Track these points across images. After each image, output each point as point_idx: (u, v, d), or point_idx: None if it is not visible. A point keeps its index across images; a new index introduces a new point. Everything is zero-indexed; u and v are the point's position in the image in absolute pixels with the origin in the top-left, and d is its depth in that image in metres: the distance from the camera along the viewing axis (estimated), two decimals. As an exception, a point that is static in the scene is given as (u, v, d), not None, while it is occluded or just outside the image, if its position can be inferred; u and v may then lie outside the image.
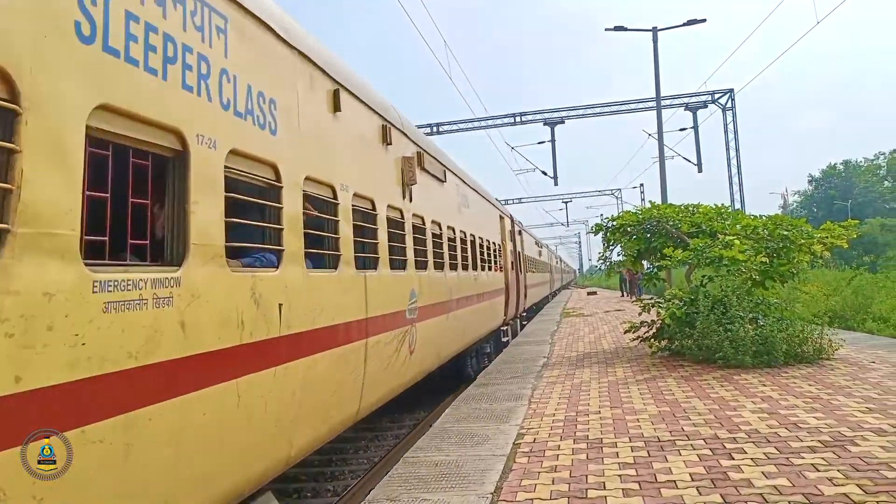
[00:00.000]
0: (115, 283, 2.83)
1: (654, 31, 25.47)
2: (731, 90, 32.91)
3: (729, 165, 33.16)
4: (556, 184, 37.30)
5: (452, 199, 11.31)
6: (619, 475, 4.89)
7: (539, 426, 6.70)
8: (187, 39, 3.51)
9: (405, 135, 8.21)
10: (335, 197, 5.64)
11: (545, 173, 37.33)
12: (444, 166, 10.54)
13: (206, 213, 3.57)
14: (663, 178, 25.95)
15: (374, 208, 6.67)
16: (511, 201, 62.89)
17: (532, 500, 4.52)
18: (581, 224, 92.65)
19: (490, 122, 35.29)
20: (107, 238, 2.95)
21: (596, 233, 14.32)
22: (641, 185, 60.34)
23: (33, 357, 2.41)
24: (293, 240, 4.71)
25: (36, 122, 2.49)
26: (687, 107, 33.42)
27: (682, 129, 35.15)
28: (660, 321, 11.25)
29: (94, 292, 2.71)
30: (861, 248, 48.17)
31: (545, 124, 34.78)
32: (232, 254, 3.94)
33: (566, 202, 73.54)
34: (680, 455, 5.28)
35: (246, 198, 4.20)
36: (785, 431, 5.77)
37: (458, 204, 11.72)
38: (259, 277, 4.17)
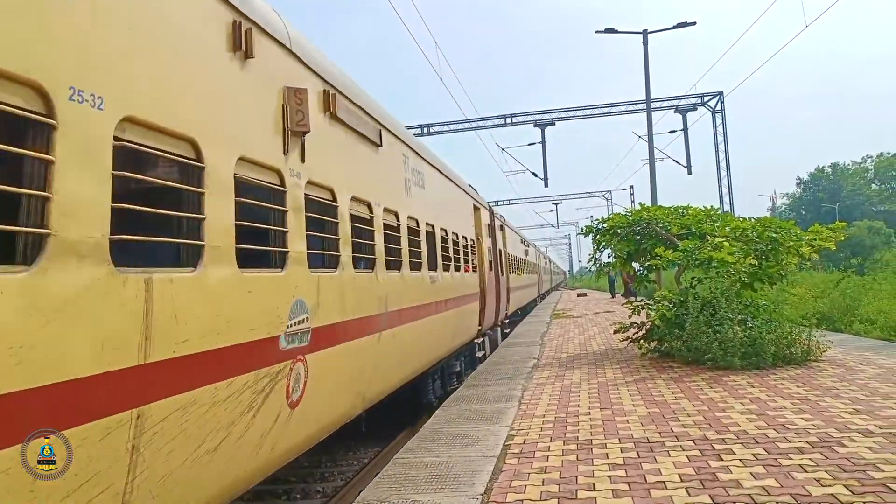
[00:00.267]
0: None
1: (645, 33, 25.57)
2: (721, 93, 33.10)
3: (718, 168, 33.34)
4: (546, 185, 37.39)
5: (395, 172, 8.23)
6: (609, 476, 4.91)
7: (529, 427, 6.71)
8: None
9: (292, 54, 5.20)
10: (50, 114, 2.76)
11: (535, 175, 37.42)
12: (381, 125, 7.47)
13: None
14: (653, 180, 26.05)
15: (197, 158, 3.78)
16: (502, 202, 63.01)
17: (522, 501, 4.53)
18: (571, 226, 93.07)
19: (481, 124, 35.32)
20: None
21: (586, 234, 14.36)
22: (631, 186, 60.65)
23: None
24: None
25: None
26: (676, 109, 33.57)
27: (671, 132, 35.36)
28: (649, 322, 11.30)
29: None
30: (849, 251, 48.53)
31: (535, 126, 34.84)
32: None
33: (556, 204, 73.76)
34: (669, 456, 5.30)
35: None
36: (773, 432, 5.80)
37: (404, 181, 8.66)
38: None
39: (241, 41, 4.30)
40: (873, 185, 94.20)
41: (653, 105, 27.79)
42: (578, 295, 47.27)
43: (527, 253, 32.27)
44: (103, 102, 3.00)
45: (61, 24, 2.85)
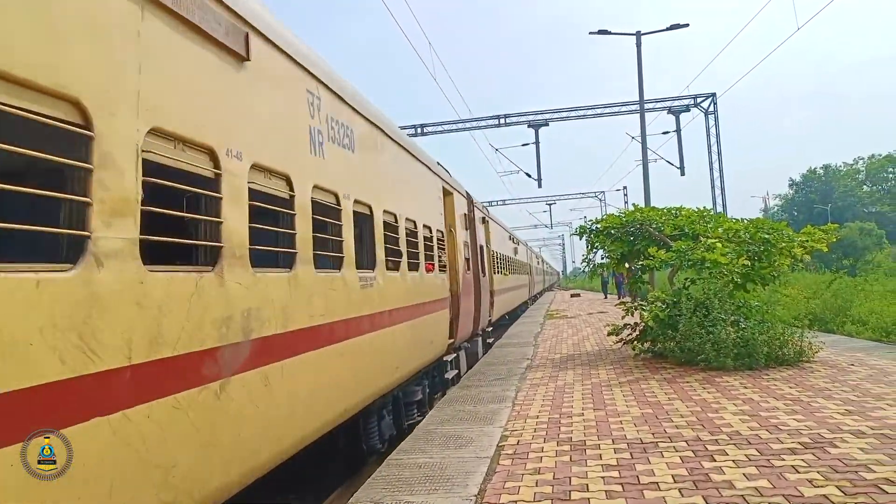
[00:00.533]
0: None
1: (638, 35, 25.64)
2: (714, 94, 33.20)
3: (711, 169, 33.45)
4: (539, 186, 37.42)
5: (285, 112, 5.30)
6: (603, 477, 4.91)
7: (523, 428, 6.71)
8: None
9: None
10: None
11: (529, 175, 37.46)
12: (248, 25, 4.58)
13: None
14: (646, 180, 26.12)
15: None
16: (496, 203, 63.04)
17: (516, 502, 4.53)
18: (565, 226, 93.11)
19: (474, 124, 35.33)
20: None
21: (580, 235, 14.38)
22: (625, 187, 60.96)
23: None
24: None
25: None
26: (670, 110, 33.67)
27: (665, 133, 35.47)
28: (643, 323, 11.32)
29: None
30: (840, 252, 48.76)
31: (529, 126, 34.89)
32: None
33: (550, 204, 73.91)
34: (662, 457, 5.31)
35: None
36: (766, 433, 5.82)
37: (310, 132, 5.67)
38: None
39: None
40: (865, 186, 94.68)
41: (646, 106, 27.86)
42: (572, 296, 47.33)
43: (516, 251, 29.19)
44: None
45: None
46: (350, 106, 6.77)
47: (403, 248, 8.22)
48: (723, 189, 33.12)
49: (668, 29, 25.56)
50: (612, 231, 13.46)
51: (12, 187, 2.54)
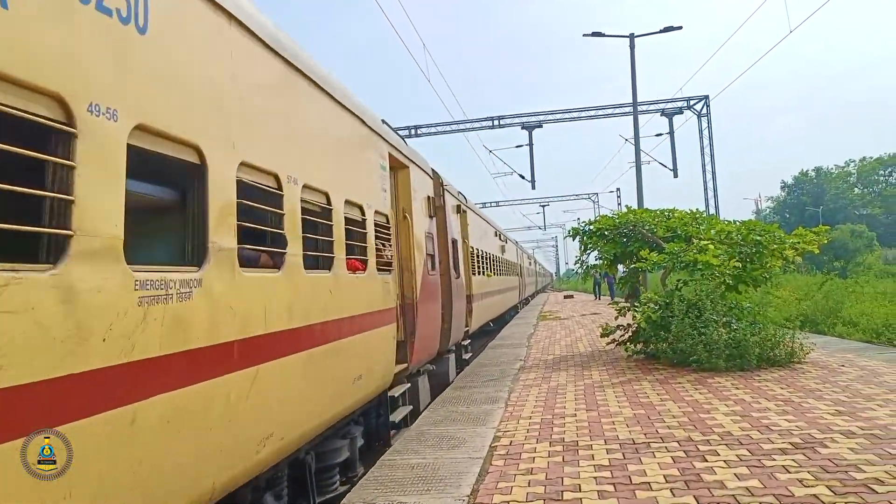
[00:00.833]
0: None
1: (631, 37, 25.71)
2: (706, 97, 33.33)
3: (704, 171, 33.57)
4: (533, 187, 37.51)
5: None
6: (595, 477, 4.93)
7: (515, 429, 6.73)
8: None
9: None
10: None
11: (523, 177, 37.55)
12: None
13: None
14: (639, 182, 26.20)
15: None
16: (489, 204, 63.06)
17: (508, 502, 4.54)
18: (558, 228, 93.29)
19: (468, 126, 35.36)
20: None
21: (573, 237, 14.41)
22: (618, 189, 61.05)
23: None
24: None
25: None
26: (663, 113, 33.78)
27: (658, 135, 35.57)
28: (635, 325, 11.36)
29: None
30: (832, 254, 49.04)
31: (523, 128, 34.94)
32: None
33: (543, 206, 73.88)
34: (654, 457, 5.34)
35: None
36: (757, 434, 5.85)
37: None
38: None
39: None
40: (856, 189, 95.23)
41: (639, 108, 27.93)
42: (565, 297, 47.39)
43: (503, 249, 25.24)
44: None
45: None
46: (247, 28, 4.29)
47: (292, 230, 4.80)
48: (715, 191, 33.25)
49: (661, 31, 25.65)
50: (605, 232, 13.50)
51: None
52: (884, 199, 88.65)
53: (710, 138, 33.31)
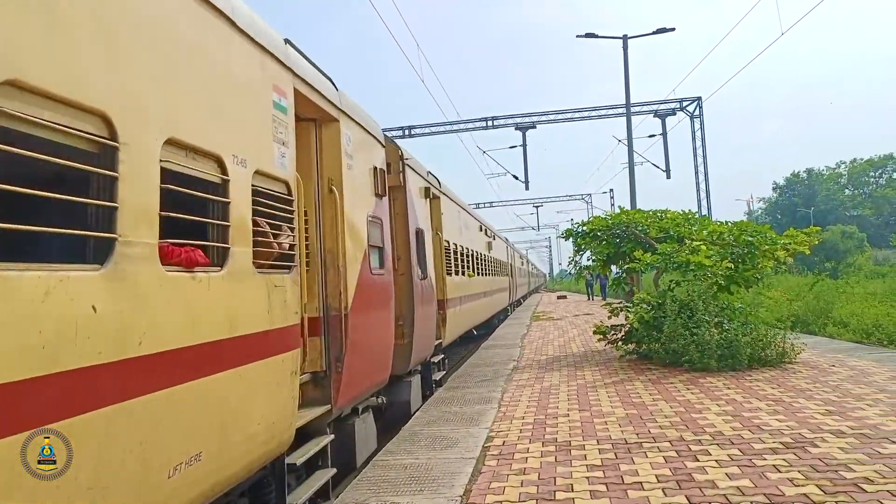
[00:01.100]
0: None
1: (625, 38, 25.79)
2: (699, 98, 33.45)
3: (696, 172, 33.69)
4: (527, 188, 37.52)
5: None
6: (587, 477, 4.95)
7: (508, 429, 6.75)
8: None
9: None
10: None
11: (516, 177, 37.56)
12: None
13: None
14: (632, 183, 26.27)
15: None
16: (483, 205, 63.11)
17: (501, 502, 4.55)
18: (552, 228, 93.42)
19: (462, 126, 35.38)
20: None
21: (567, 238, 14.45)
22: (611, 190, 61.14)
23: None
24: None
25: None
26: (656, 114, 33.88)
27: (651, 136, 35.68)
28: (628, 325, 11.40)
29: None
30: (823, 255, 49.26)
31: (517, 129, 34.98)
32: None
33: (537, 206, 74.00)
34: (646, 457, 5.36)
35: None
36: (748, 433, 5.89)
37: None
38: None
39: None
40: (846, 190, 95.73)
41: (632, 109, 28.02)
42: (558, 297, 47.47)
43: (491, 246, 22.48)
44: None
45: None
46: None
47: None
48: (708, 192, 33.37)
49: (654, 33, 25.73)
50: (598, 233, 13.54)
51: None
52: (874, 200, 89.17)
53: (703, 139, 33.44)
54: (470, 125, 35.46)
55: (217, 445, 3.54)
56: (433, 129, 35.38)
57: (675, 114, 33.72)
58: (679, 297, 10.80)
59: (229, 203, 3.83)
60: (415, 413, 8.39)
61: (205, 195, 3.69)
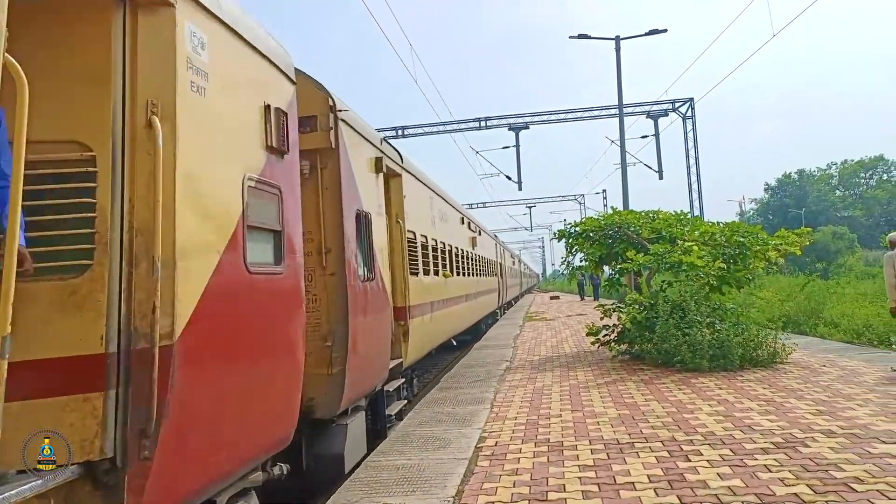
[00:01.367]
0: None
1: (617, 39, 25.84)
2: (691, 99, 33.57)
3: (689, 172, 33.82)
4: (520, 188, 37.63)
5: None
6: (579, 477, 4.96)
7: (501, 429, 6.75)
8: None
9: None
10: None
11: (509, 178, 37.62)
12: None
13: None
14: (625, 184, 26.33)
15: None
16: (476, 205, 63.12)
17: (493, 502, 4.55)
18: (545, 229, 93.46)
19: (455, 126, 35.39)
20: None
21: (559, 239, 14.48)
22: (604, 190, 61.38)
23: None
24: None
25: None
26: (648, 115, 33.99)
27: (643, 137, 35.79)
28: (620, 325, 11.43)
29: None
30: (814, 255, 49.54)
31: (510, 129, 35.03)
32: None
33: (530, 207, 74.05)
34: (638, 457, 5.37)
35: None
36: (740, 433, 5.91)
37: None
38: None
39: None
40: (837, 191, 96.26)
41: (625, 110, 28.09)
42: (551, 298, 47.51)
43: (475, 242, 19.82)
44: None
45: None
46: None
47: None
48: (700, 193, 33.51)
49: (646, 34, 25.79)
50: (591, 234, 13.57)
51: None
52: (864, 201, 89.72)
53: (695, 140, 33.58)
54: (463, 125, 35.49)
55: None
56: (426, 129, 35.40)
57: (667, 115, 33.85)
58: (671, 297, 10.83)
59: None
60: (351, 472, 5.96)
61: None
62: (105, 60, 3.24)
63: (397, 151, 9.50)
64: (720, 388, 8.17)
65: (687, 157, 33.85)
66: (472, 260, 18.76)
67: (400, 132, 34.52)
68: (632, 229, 13.08)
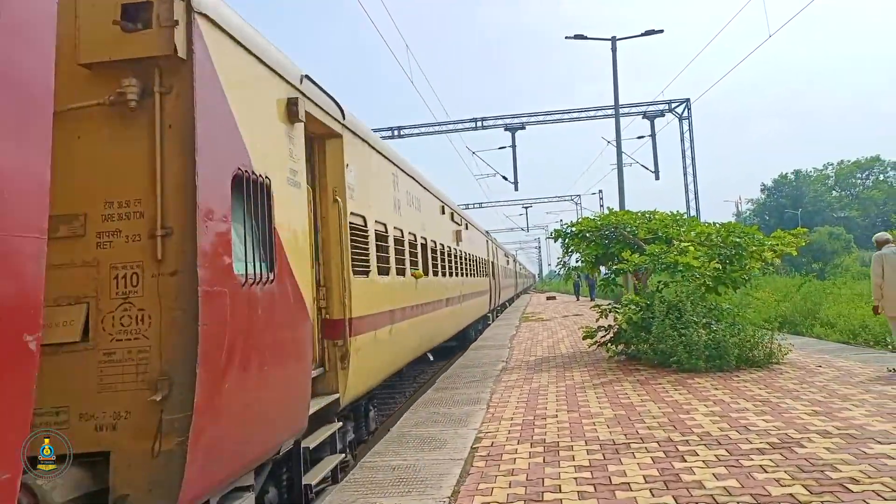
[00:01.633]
0: None
1: (613, 40, 25.86)
2: (688, 100, 33.59)
3: (685, 173, 33.83)
4: (516, 189, 37.51)
5: None
6: (575, 478, 4.95)
7: (497, 430, 6.74)
8: None
9: None
10: None
11: (506, 178, 37.58)
12: None
13: None
14: (621, 184, 26.35)
15: None
16: (472, 206, 63.11)
17: (489, 503, 4.54)
18: (541, 229, 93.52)
19: (451, 127, 35.36)
20: None
21: (556, 239, 14.48)
22: (600, 191, 61.54)
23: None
24: None
25: None
26: (645, 115, 33.99)
27: (640, 137, 35.77)
28: (617, 326, 11.43)
29: None
30: (810, 256, 49.64)
31: (506, 129, 35.00)
32: None
33: (526, 207, 74.00)
34: (634, 458, 5.37)
35: None
36: (735, 434, 5.91)
37: None
38: None
39: None
40: (834, 191, 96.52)
41: (621, 111, 28.11)
42: (548, 298, 47.52)
43: (459, 236, 16.75)
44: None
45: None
46: None
47: None
48: (696, 193, 33.53)
49: (643, 34, 25.82)
50: (587, 234, 13.58)
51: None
52: (861, 201, 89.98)
53: (692, 140, 33.59)
54: (459, 126, 35.44)
55: None
56: (422, 129, 35.36)
57: (663, 115, 33.85)
58: (667, 297, 10.83)
59: None
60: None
61: None
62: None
63: (336, 103, 6.79)
64: (716, 389, 8.17)
65: (683, 157, 33.87)
66: (456, 257, 16.13)
67: (396, 132, 34.47)
68: (628, 230, 13.09)
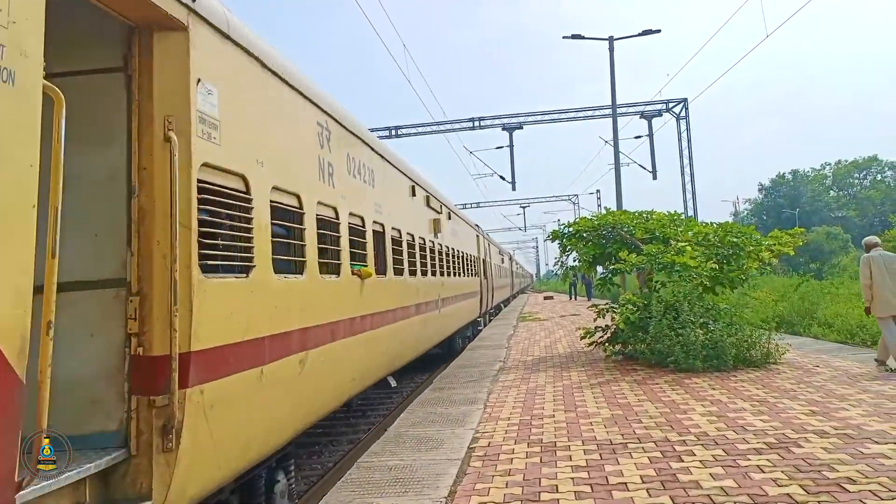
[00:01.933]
0: None
1: (611, 40, 25.87)
2: (685, 100, 33.58)
3: (682, 173, 33.85)
4: (514, 189, 37.55)
5: None
6: (572, 478, 4.94)
7: (494, 430, 6.73)
8: None
9: None
10: None
11: (503, 178, 37.58)
12: None
13: None
14: (619, 184, 26.36)
15: None
16: (469, 205, 63.12)
17: (486, 503, 4.53)
18: (539, 229, 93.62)
19: (449, 127, 35.34)
20: None
21: (553, 239, 14.46)
22: (598, 190, 61.49)
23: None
24: None
25: None
26: (642, 115, 33.99)
27: (637, 137, 35.79)
28: (614, 326, 11.42)
29: None
30: (808, 256, 49.73)
31: (504, 129, 34.98)
32: None
33: (524, 207, 74.10)
34: (631, 457, 5.36)
35: None
36: (732, 434, 5.90)
37: None
38: None
39: None
40: (831, 191, 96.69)
41: (619, 111, 28.13)
42: (545, 298, 47.51)
43: (438, 226, 13.94)
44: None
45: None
46: None
47: None
48: (694, 193, 33.53)
49: (640, 34, 25.83)
50: (585, 234, 13.56)
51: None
52: (858, 201, 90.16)
53: (689, 140, 33.60)
54: (457, 125, 35.42)
55: None
56: (420, 129, 35.34)
57: (661, 115, 33.85)
58: (665, 297, 10.83)
59: None
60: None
61: None
62: None
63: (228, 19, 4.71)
64: (713, 389, 8.16)
65: (681, 157, 33.88)
66: (433, 252, 13.48)
67: (393, 132, 34.45)
68: (625, 229, 13.08)
